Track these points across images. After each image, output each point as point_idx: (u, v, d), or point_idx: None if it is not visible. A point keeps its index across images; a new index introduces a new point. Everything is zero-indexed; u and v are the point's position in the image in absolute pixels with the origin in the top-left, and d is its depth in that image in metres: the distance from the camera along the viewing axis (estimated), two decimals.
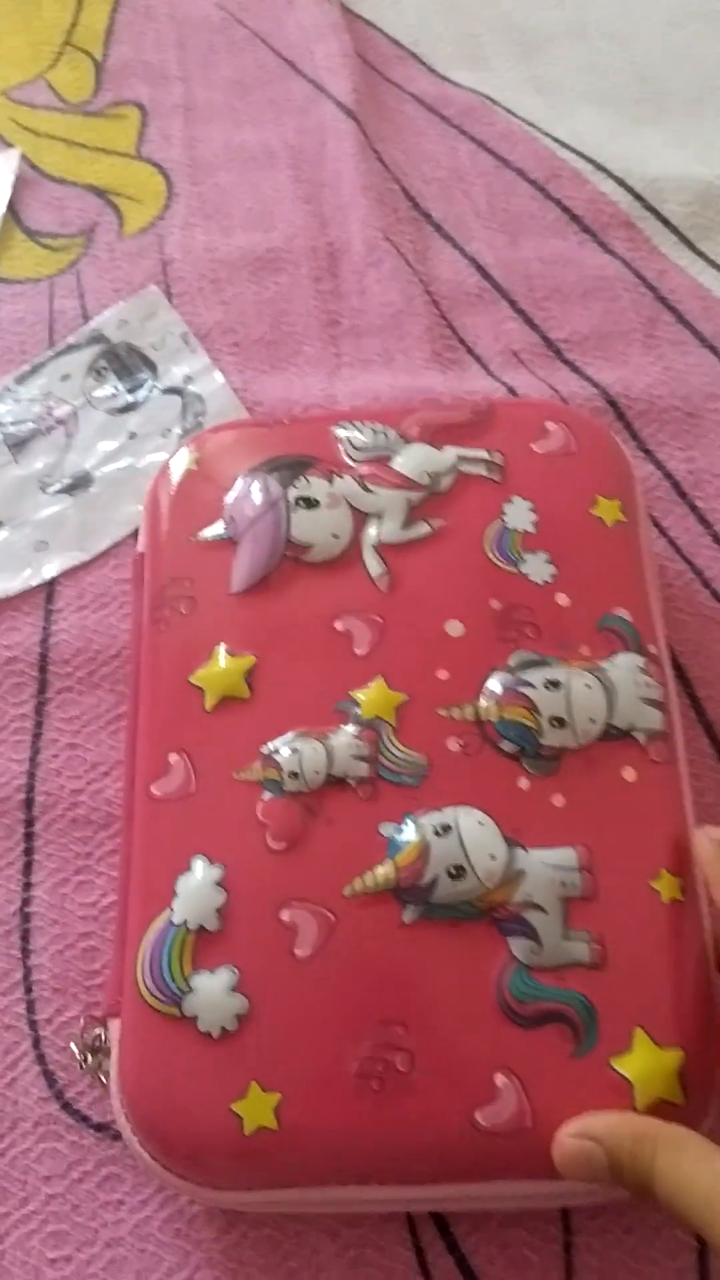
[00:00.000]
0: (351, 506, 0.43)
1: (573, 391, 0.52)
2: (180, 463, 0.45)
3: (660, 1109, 0.33)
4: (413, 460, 0.44)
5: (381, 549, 0.42)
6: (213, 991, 0.35)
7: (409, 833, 0.36)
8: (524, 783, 0.37)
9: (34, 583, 0.50)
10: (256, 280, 0.57)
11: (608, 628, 0.40)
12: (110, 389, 0.55)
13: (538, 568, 0.41)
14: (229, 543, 0.42)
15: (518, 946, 0.35)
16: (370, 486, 0.43)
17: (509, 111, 0.62)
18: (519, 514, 0.42)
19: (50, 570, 0.50)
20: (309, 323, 0.56)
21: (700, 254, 0.57)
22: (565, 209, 0.58)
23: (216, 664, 0.40)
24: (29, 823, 0.45)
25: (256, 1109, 0.34)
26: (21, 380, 0.55)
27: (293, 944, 0.35)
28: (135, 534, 0.49)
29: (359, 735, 0.38)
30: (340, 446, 0.44)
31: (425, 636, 0.40)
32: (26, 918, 0.43)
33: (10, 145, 0.63)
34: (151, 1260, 0.38)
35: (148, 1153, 0.35)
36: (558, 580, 0.41)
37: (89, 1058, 0.38)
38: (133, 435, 0.53)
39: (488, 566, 0.41)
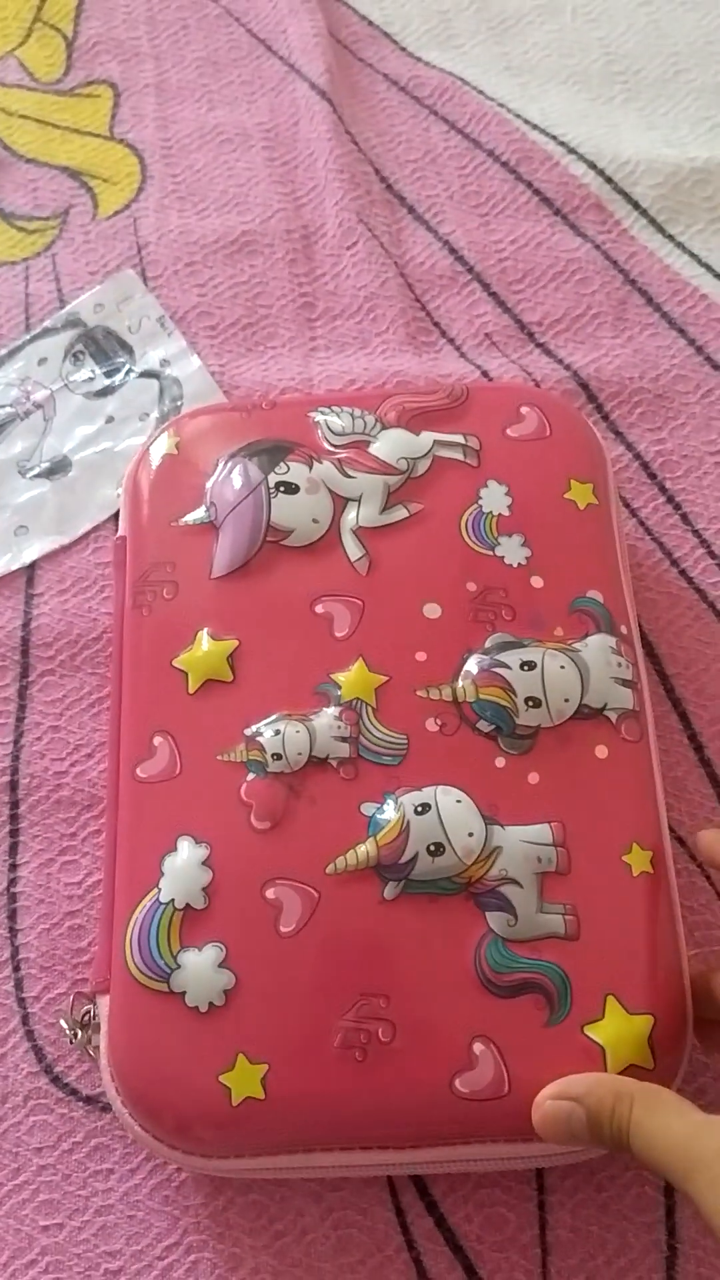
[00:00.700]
0: (331, 491, 0.43)
1: (545, 374, 0.53)
2: (160, 447, 0.46)
3: (631, 1073, 0.34)
4: (390, 445, 0.44)
5: (360, 533, 0.43)
6: (200, 967, 0.36)
7: (389, 811, 0.37)
8: (500, 761, 0.38)
9: (14, 567, 0.50)
10: (232, 263, 0.57)
11: (580, 609, 0.41)
12: (87, 373, 0.55)
13: (513, 550, 0.42)
14: (210, 527, 0.43)
15: (495, 920, 0.36)
16: (349, 471, 0.44)
17: (480, 92, 0.62)
18: (494, 497, 0.43)
19: (30, 554, 0.50)
20: (284, 305, 0.56)
21: (669, 237, 0.57)
22: (537, 191, 0.59)
23: (199, 647, 0.41)
24: (14, 804, 0.45)
25: (244, 1080, 0.35)
26: None
27: (277, 920, 0.36)
28: (114, 517, 0.50)
29: (340, 716, 0.39)
30: (319, 431, 0.45)
31: (404, 618, 0.41)
32: (13, 898, 0.44)
33: None
34: (141, 1226, 0.39)
35: (138, 1123, 0.36)
36: (532, 562, 0.42)
37: (78, 1033, 0.39)
38: (110, 419, 0.53)
39: (464, 549, 0.42)
